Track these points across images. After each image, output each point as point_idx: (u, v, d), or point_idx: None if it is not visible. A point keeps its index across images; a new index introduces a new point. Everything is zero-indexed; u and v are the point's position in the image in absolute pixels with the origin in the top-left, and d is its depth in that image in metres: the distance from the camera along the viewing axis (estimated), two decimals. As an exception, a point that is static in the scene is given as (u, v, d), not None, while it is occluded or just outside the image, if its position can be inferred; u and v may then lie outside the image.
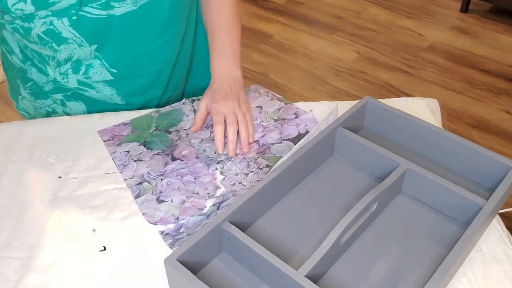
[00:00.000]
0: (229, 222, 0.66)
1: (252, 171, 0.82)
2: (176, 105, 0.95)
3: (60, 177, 0.81)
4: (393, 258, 0.68)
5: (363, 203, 0.68)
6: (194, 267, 0.63)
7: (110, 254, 0.70)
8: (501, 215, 0.75)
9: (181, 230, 0.72)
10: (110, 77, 0.91)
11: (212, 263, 0.67)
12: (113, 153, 0.85)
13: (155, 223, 0.73)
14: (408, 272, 0.66)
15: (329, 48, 2.57)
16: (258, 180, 0.79)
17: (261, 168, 0.82)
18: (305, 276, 0.60)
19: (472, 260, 0.68)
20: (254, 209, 0.71)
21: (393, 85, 2.32)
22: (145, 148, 0.85)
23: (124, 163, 0.83)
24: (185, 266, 0.60)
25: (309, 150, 0.76)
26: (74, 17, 0.78)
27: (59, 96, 0.96)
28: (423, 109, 0.94)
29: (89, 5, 0.78)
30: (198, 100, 0.96)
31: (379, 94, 2.27)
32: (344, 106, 0.86)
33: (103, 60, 0.88)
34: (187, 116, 0.92)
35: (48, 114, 1.01)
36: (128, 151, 0.85)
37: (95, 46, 0.85)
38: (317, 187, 0.78)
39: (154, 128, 0.89)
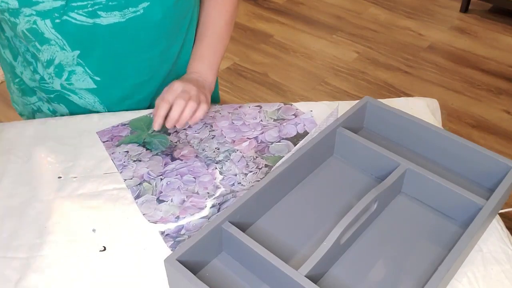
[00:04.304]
0: (229, 222, 0.66)
1: (251, 171, 0.82)
2: None
3: (60, 177, 0.81)
4: (393, 258, 0.68)
5: (363, 203, 0.68)
6: (194, 267, 0.63)
7: (110, 254, 0.70)
8: (501, 215, 0.75)
9: (182, 232, 0.72)
10: (93, 85, 0.90)
11: (212, 263, 0.67)
12: (112, 153, 0.85)
13: (155, 222, 0.73)
14: (408, 272, 0.66)
15: (329, 48, 2.57)
16: (258, 180, 0.79)
17: (260, 168, 0.82)
18: (305, 276, 0.60)
19: (472, 260, 0.68)
20: (254, 209, 0.71)
21: (393, 85, 2.32)
22: (144, 149, 0.85)
23: (124, 163, 0.83)
24: (185, 266, 0.60)
25: (309, 150, 0.76)
26: (57, 20, 0.78)
27: (44, 95, 0.96)
28: (423, 109, 0.94)
29: (75, 11, 0.78)
30: None
31: (379, 94, 2.27)
32: (344, 106, 0.86)
33: (86, 68, 0.87)
34: None
35: (34, 112, 1.01)
36: (127, 152, 0.85)
37: (77, 52, 0.84)
38: (317, 187, 0.78)
39: (153, 129, 0.89)
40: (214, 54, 0.97)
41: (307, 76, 2.39)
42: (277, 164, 0.74)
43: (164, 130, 0.89)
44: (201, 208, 0.75)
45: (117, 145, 0.86)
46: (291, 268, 0.60)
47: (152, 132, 0.88)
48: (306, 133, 0.89)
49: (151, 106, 1.01)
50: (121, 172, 0.81)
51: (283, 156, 0.78)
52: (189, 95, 0.86)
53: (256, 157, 0.84)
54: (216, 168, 0.82)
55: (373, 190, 0.70)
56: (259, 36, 2.65)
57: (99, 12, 0.79)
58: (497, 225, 0.73)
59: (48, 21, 0.78)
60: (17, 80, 0.97)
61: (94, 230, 0.73)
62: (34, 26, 0.79)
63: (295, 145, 0.86)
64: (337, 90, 2.30)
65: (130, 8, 0.81)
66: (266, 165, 0.83)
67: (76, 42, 0.82)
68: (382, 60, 2.47)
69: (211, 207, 0.76)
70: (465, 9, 2.79)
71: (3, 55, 0.95)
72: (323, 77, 2.38)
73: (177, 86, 0.87)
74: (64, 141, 0.87)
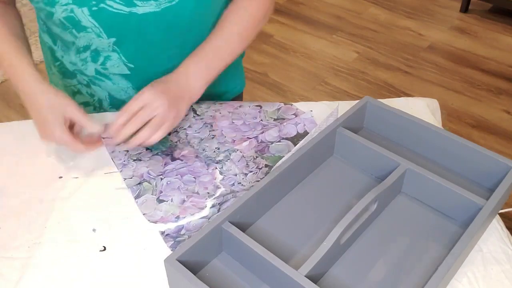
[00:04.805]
0: (229, 222, 0.66)
1: (251, 171, 0.82)
2: None
3: (60, 177, 0.81)
4: (393, 258, 0.68)
5: (363, 203, 0.68)
6: (194, 267, 0.63)
7: (110, 254, 0.70)
8: (501, 215, 0.75)
9: (182, 232, 0.72)
10: (127, 72, 0.91)
11: (212, 263, 0.67)
12: (112, 152, 0.85)
13: (155, 222, 0.73)
14: (408, 272, 0.66)
15: (329, 48, 2.57)
16: (258, 180, 0.79)
17: (260, 168, 0.82)
18: (305, 276, 0.60)
19: (472, 260, 0.68)
20: (254, 209, 0.71)
21: (393, 85, 2.32)
22: (144, 149, 0.85)
23: (124, 162, 0.83)
24: (185, 266, 0.60)
25: (309, 150, 0.76)
26: (94, 8, 0.79)
27: (84, 78, 0.96)
28: (423, 109, 0.94)
29: None
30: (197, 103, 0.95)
31: (379, 94, 2.27)
32: (344, 106, 0.86)
33: (121, 55, 0.88)
34: (185, 115, 0.92)
35: (74, 94, 1.01)
36: (127, 151, 0.85)
37: (113, 39, 0.85)
38: (317, 187, 0.78)
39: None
40: (215, 59, 0.86)
41: (307, 76, 2.39)
42: (277, 164, 0.74)
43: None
44: (201, 208, 0.75)
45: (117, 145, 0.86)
46: (291, 268, 0.60)
47: None
48: (306, 133, 0.89)
49: None
50: (121, 171, 0.81)
51: (283, 156, 0.78)
52: (154, 113, 0.77)
53: (256, 157, 0.84)
54: (216, 168, 0.82)
55: (373, 190, 0.70)
56: (259, 36, 2.64)
57: (135, 1, 0.80)
58: (497, 225, 0.73)
59: (85, 9, 0.79)
60: (57, 63, 0.97)
61: (94, 230, 0.73)
62: (71, 14, 0.80)
63: (295, 145, 0.86)
64: (337, 90, 2.30)
65: None
66: (266, 165, 0.83)
67: (112, 30, 0.83)
68: (382, 60, 2.47)
69: (211, 207, 0.76)
70: (465, 9, 2.79)
71: (43, 38, 0.96)
72: (323, 77, 2.38)
73: (147, 96, 0.78)
74: (64, 141, 0.87)
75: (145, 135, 0.77)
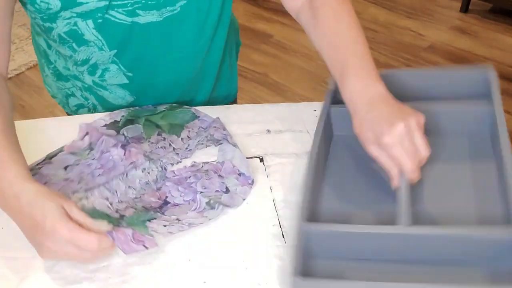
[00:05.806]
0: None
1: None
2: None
3: (61, 177, 0.81)
4: (469, 179, 0.70)
5: None
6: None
7: (110, 254, 0.69)
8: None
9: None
10: (125, 81, 0.91)
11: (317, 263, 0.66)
12: None
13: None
14: (482, 190, 0.68)
15: (329, 48, 2.57)
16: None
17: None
18: (409, 227, 0.61)
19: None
20: (315, 198, 0.72)
21: (393, 85, 2.32)
22: None
23: None
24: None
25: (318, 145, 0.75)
26: (100, 20, 0.78)
27: (78, 83, 0.95)
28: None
29: (116, 9, 0.78)
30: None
31: (379, 94, 2.27)
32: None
33: (120, 65, 0.88)
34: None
35: (68, 96, 1.00)
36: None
37: (114, 51, 0.85)
38: (345, 167, 0.78)
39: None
40: (363, 60, 0.77)
41: (307, 76, 2.40)
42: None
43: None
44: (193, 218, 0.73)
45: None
46: (393, 227, 0.61)
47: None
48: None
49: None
50: None
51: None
52: (405, 143, 0.66)
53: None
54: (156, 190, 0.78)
55: None
56: (259, 36, 2.65)
57: (137, 11, 0.80)
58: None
59: (90, 22, 0.78)
60: (51, 66, 0.97)
61: (95, 230, 0.72)
62: (75, 27, 0.79)
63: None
64: (337, 90, 2.30)
65: (168, 7, 0.81)
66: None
67: (115, 42, 0.83)
68: (382, 60, 2.47)
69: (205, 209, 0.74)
70: (465, 9, 2.79)
71: (37, 41, 0.96)
72: (323, 77, 2.38)
73: (391, 144, 0.65)
74: (64, 141, 0.87)
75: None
